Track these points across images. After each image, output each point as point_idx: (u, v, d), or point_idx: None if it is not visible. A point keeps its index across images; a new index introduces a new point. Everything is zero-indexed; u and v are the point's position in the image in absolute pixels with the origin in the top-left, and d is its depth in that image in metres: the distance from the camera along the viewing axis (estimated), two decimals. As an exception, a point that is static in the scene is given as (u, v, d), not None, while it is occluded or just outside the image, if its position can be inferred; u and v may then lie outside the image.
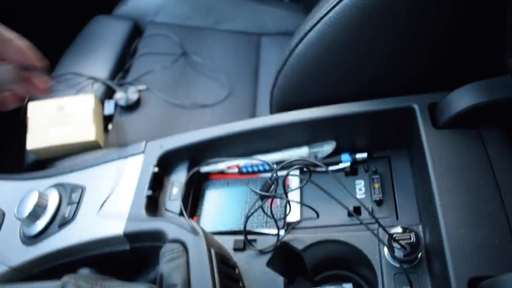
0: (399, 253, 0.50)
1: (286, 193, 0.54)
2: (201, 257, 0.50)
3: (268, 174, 0.65)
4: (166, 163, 0.67)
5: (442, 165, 0.50)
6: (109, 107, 0.99)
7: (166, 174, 0.67)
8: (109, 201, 0.63)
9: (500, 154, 0.49)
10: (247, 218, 0.56)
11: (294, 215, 0.60)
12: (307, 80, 0.65)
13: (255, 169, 0.66)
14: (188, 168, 0.66)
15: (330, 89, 0.65)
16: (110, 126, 0.97)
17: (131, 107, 0.99)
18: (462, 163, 0.49)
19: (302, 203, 0.59)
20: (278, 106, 0.71)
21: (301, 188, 0.63)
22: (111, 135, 0.96)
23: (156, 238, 0.57)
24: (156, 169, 0.65)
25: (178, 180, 0.66)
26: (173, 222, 0.56)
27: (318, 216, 0.57)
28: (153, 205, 0.63)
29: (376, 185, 0.59)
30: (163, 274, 0.51)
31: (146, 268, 0.65)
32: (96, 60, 1.10)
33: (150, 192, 0.62)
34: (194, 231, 0.53)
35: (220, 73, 1.05)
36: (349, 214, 0.58)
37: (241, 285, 0.54)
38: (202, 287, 0.48)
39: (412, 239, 0.50)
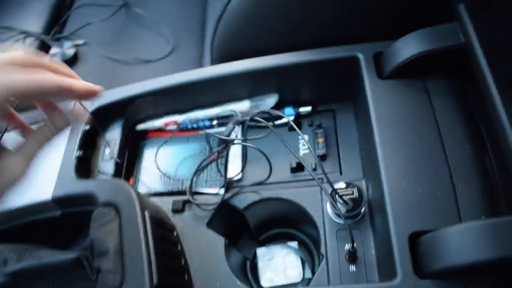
0: (342, 209, 0.48)
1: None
2: (134, 221, 0.47)
3: (210, 130, 0.61)
4: (99, 121, 0.62)
5: (385, 117, 0.47)
6: (43, 64, 0.91)
7: (99, 133, 0.62)
8: (35, 163, 0.58)
9: (445, 106, 0.47)
10: (193, 175, 0.53)
11: (236, 174, 0.57)
12: (248, 27, 0.61)
13: (195, 125, 0.62)
14: (123, 126, 0.62)
15: (272, 38, 0.61)
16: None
17: (68, 63, 0.92)
18: (405, 115, 0.47)
19: (260, 150, 0.56)
20: (220, 57, 0.66)
21: (243, 146, 0.59)
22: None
23: (88, 202, 0.53)
24: (88, 127, 0.60)
25: (112, 139, 0.61)
26: (105, 184, 0.52)
27: (271, 171, 0.54)
28: (84, 167, 0.58)
29: (320, 140, 0.56)
30: (94, 240, 0.48)
31: (82, 235, 0.62)
32: (28, 13, 1.01)
33: (80, 153, 0.58)
34: (127, 194, 0.49)
35: (164, 26, 0.98)
36: (293, 171, 0.55)
37: (179, 248, 0.52)
38: (135, 252, 0.45)
39: (355, 194, 0.49)
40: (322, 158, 0.55)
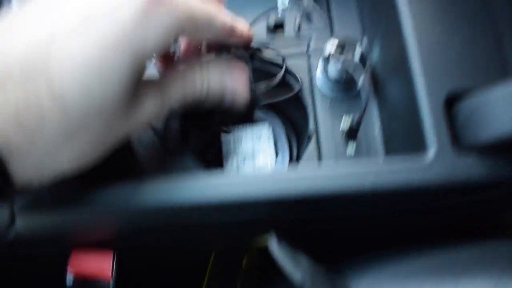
0: (336, 75, 0.38)
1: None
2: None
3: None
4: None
5: None
6: None
7: None
8: None
9: None
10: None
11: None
12: None
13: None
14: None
15: None
16: None
17: None
18: None
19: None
20: None
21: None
22: None
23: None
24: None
25: None
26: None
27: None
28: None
29: (306, -9, 0.44)
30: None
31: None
32: None
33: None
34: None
35: None
36: (271, 30, 0.43)
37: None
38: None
39: (353, 56, 0.37)
40: (308, 15, 0.43)
